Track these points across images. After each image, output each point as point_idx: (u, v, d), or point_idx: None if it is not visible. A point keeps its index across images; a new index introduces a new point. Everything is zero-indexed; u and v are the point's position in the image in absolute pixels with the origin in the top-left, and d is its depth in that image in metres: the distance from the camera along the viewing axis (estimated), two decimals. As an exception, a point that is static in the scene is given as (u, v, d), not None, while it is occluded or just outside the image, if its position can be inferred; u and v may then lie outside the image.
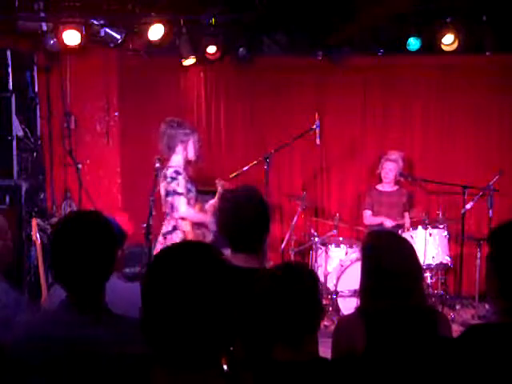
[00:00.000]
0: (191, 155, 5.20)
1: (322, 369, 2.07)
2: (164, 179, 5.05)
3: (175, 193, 5.00)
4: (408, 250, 2.59)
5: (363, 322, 2.42)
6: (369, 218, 6.74)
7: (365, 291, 2.57)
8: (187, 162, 5.21)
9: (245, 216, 2.69)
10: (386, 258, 2.51)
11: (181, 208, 4.99)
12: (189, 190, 5.14)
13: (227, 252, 2.92)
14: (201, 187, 6.73)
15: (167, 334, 1.45)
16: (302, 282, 2.12)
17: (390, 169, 6.68)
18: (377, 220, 6.63)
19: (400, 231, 6.24)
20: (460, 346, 2.05)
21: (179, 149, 5.17)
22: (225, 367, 1.61)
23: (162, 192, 5.09)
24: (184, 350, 1.45)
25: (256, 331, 2.28)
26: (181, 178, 4.99)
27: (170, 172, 5.03)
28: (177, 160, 5.17)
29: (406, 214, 6.68)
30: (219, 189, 5.27)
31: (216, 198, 5.21)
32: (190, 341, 1.44)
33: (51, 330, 1.99)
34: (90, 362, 1.90)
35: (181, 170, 5.07)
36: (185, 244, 1.62)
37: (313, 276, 2.20)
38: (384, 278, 2.48)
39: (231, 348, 1.67)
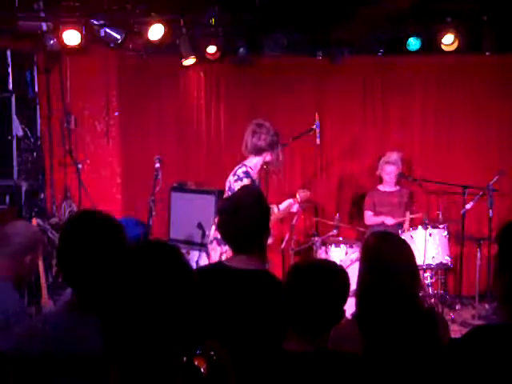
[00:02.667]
0: (269, 161, 5.11)
1: (331, 360, 2.08)
2: (233, 175, 4.95)
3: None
4: (406, 253, 2.57)
5: (359, 328, 2.41)
6: (370, 218, 6.74)
7: (361, 294, 2.56)
8: (262, 167, 5.11)
9: (244, 218, 2.67)
10: (383, 261, 2.50)
11: None
12: None
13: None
14: (202, 187, 6.77)
15: (120, 334, 1.43)
16: (335, 279, 2.14)
17: (390, 171, 6.67)
18: (378, 220, 6.63)
19: (400, 231, 6.24)
20: (463, 348, 2.04)
21: (265, 154, 5.06)
22: (202, 370, 1.60)
23: (227, 186, 4.99)
24: (137, 353, 1.43)
25: (272, 323, 2.29)
26: (246, 181, 4.86)
27: (240, 171, 4.92)
28: (254, 162, 5.06)
29: (407, 214, 6.68)
30: (298, 198, 5.32)
31: (285, 205, 5.27)
32: (142, 343, 1.42)
33: (53, 332, 1.99)
34: (94, 363, 1.90)
35: (252, 173, 4.96)
36: (144, 246, 1.59)
37: (344, 276, 2.23)
38: (380, 282, 2.47)
39: (210, 352, 1.66)
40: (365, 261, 2.61)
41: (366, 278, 2.55)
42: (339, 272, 2.23)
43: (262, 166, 5.06)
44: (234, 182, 4.87)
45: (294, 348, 2.10)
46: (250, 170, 4.97)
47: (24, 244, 2.95)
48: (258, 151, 5.05)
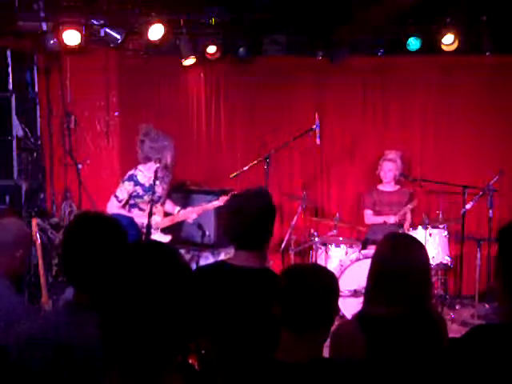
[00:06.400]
0: (166, 164, 5.36)
1: (323, 370, 2.07)
2: None
3: (114, 193, 5.45)
4: (417, 255, 2.54)
5: (362, 329, 2.40)
6: (370, 217, 6.74)
7: (368, 295, 2.55)
8: (163, 168, 5.35)
9: (249, 216, 2.69)
10: (390, 262, 2.49)
11: (107, 207, 5.46)
12: (145, 193, 5.41)
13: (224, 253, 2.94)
14: (202, 187, 6.77)
15: (120, 334, 1.43)
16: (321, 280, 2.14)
17: (388, 169, 6.68)
18: (378, 219, 6.63)
19: (400, 231, 6.24)
20: (463, 347, 2.03)
21: (165, 159, 5.44)
22: (195, 367, 1.60)
23: None
24: (137, 352, 1.43)
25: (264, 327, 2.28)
26: (126, 184, 5.41)
27: (129, 173, 5.47)
28: (147, 166, 5.45)
29: (408, 212, 6.67)
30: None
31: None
32: (142, 343, 1.42)
33: (54, 332, 1.99)
34: (95, 362, 1.89)
35: (139, 176, 5.41)
36: (141, 246, 1.60)
37: (329, 276, 2.23)
38: (385, 283, 2.46)
39: (202, 350, 1.66)
40: (371, 264, 2.59)
41: (370, 281, 2.54)
42: (329, 275, 2.23)
43: (158, 168, 5.30)
44: (120, 183, 5.44)
45: (283, 357, 2.09)
46: (138, 172, 5.43)
47: (14, 239, 3.01)
48: (145, 159, 5.49)
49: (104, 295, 1.47)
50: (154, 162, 5.32)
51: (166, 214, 5.68)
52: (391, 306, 2.43)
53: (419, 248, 2.57)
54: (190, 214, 5.64)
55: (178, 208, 5.71)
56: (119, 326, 1.43)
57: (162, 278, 1.45)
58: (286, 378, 2.04)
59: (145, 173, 5.45)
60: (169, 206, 5.80)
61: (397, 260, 2.48)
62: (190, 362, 1.67)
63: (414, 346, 2.41)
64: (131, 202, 5.49)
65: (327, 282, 2.17)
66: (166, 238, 5.40)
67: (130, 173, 5.48)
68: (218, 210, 5.86)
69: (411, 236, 2.77)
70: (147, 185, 5.42)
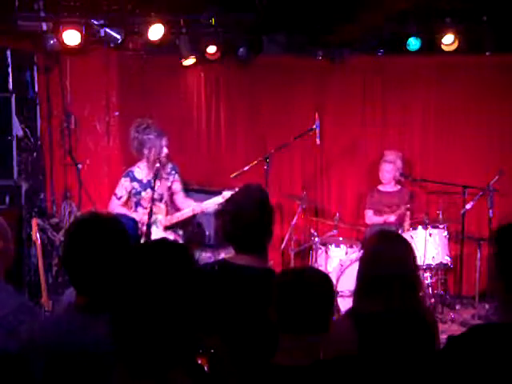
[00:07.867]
0: (157, 157, 5.32)
1: (325, 373, 2.07)
2: None
3: (114, 192, 5.52)
4: (404, 252, 2.56)
5: (354, 326, 2.40)
6: (371, 217, 6.74)
7: (357, 293, 2.55)
8: (155, 162, 5.31)
9: (246, 218, 2.67)
10: (379, 260, 2.50)
11: (109, 206, 5.50)
12: (143, 189, 5.42)
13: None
14: (199, 187, 6.77)
15: (130, 331, 1.43)
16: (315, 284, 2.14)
17: (387, 170, 6.68)
18: (379, 219, 6.63)
19: (400, 231, 6.23)
20: (461, 347, 2.04)
21: (146, 153, 5.41)
22: (205, 368, 1.60)
23: None
24: (146, 350, 1.43)
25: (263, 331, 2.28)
26: (123, 180, 5.45)
27: (126, 170, 5.52)
28: (143, 161, 5.44)
29: (407, 213, 6.67)
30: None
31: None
32: (151, 341, 1.42)
33: (56, 335, 1.99)
34: (97, 365, 1.89)
35: (136, 172, 5.43)
36: (152, 244, 1.60)
37: (325, 280, 2.22)
38: (375, 281, 2.46)
39: (212, 350, 1.66)
40: (360, 261, 2.61)
41: (360, 278, 2.55)
42: (324, 277, 2.23)
43: (154, 162, 5.30)
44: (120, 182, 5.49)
45: (282, 361, 2.09)
46: (136, 168, 5.45)
47: None
48: (136, 152, 5.46)
49: (114, 294, 1.46)
50: (154, 162, 5.29)
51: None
52: (381, 303, 2.44)
53: (406, 246, 2.59)
54: (196, 208, 5.48)
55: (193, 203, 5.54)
56: (129, 324, 1.43)
57: (172, 275, 1.45)
58: (288, 382, 2.04)
59: (142, 169, 5.44)
60: (183, 202, 5.63)
61: (385, 258, 2.49)
62: (200, 362, 1.66)
63: (405, 343, 2.42)
64: (134, 199, 5.47)
65: (322, 285, 2.16)
66: (168, 237, 5.32)
67: (128, 169, 5.51)
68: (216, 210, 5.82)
69: (399, 235, 2.79)
70: (145, 181, 5.41)
